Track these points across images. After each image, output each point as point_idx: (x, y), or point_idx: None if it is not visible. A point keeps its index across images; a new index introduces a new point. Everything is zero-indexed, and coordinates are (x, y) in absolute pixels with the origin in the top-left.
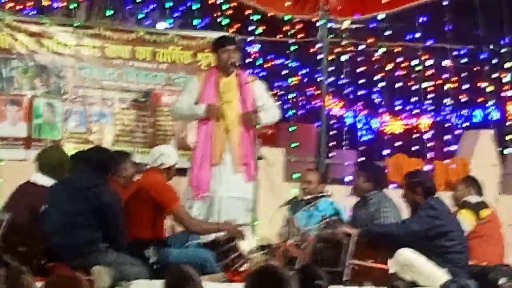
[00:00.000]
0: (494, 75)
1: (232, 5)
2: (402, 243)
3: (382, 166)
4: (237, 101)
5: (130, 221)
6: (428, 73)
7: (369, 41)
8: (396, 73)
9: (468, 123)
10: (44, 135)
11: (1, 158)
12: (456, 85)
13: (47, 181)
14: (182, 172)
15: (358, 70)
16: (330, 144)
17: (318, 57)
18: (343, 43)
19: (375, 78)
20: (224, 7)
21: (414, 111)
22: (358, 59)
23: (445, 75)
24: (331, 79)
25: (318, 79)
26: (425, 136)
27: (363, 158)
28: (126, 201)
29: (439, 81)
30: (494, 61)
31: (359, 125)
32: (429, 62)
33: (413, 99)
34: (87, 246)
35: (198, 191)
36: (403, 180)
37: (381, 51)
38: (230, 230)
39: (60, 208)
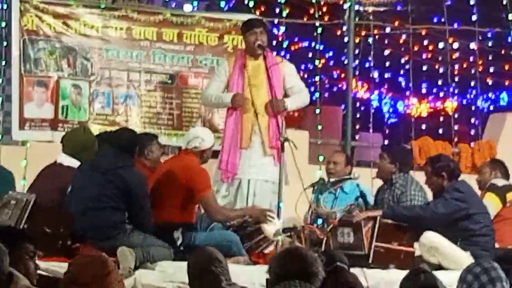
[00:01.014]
0: None
1: None
2: (427, 226)
3: (408, 148)
4: (265, 84)
5: (159, 204)
6: (455, 56)
7: (395, 23)
8: (422, 56)
9: (494, 106)
10: (70, 116)
11: (27, 139)
12: (482, 68)
13: (73, 162)
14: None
15: (384, 52)
16: (356, 127)
17: (344, 39)
18: (369, 26)
19: (401, 61)
20: None
21: (440, 94)
22: (384, 42)
23: (472, 58)
24: (357, 61)
25: (344, 62)
26: (451, 119)
27: (387, 141)
28: (155, 182)
29: (466, 64)
30: None
31: (385, 108)
32: (456, 45)
33: (439, 82)
34: (113, 227)
35: (227, 174)
36: (426, 166)
37: (407, 33)
38: (255, 215)
39: (86, 190)
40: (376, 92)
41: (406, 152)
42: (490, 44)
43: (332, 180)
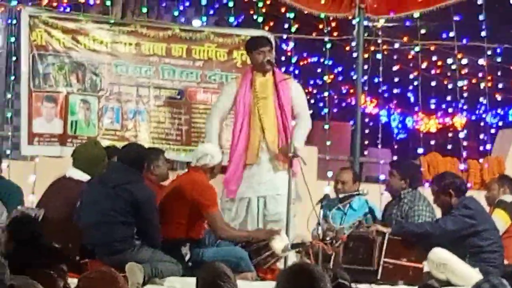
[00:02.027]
0: None
1: (267, 2)
2: (435, 242)
3: (417, 164)
4: (272, 100)
5: (167, 219)
6: (463, 71)
7: (404, 39)
8: (431, 72)
9: (503, 122)
10: (79, 132)
11: (36, 155)
12: (491, 83)
13: (82, 176)
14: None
15: (393, 68)
16: (365, 142)
17: (353, 55)
18: (378, 41)
19: (410, 76)
20: (259, 4)
21: (449, 110)
22: (393, 57)
23: (480, 74)
24: (366, 77)
25: (353, 77)
26: (460, 135)
27: (396, 157)
28: (164, 198)
29: (474, 80)
30: None
31: (393, 124)
32: (464, 61)
33: (448, 98)
34: (122, 242)
35: (229, 188)
36: (432, 185)
37: (416, 49)
38: (260, 238)
39: (95, 205)
40: (385, 107)
41: (415, 167)
42: (499, 60)
43: (340, 196)
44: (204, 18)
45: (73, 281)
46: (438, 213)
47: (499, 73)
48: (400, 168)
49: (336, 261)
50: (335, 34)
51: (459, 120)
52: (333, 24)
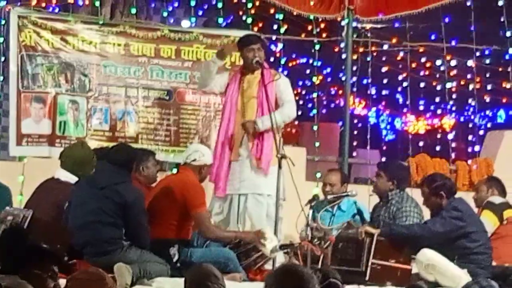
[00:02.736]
0: None
1: (256, 3)
2: (424, 244)
3: (404, 165)
4: (258, 97)
5: (156, 220)
6: (452, 73)
7: (393, 40)
8: (420, 73)
9: (492, 123)
10: (68, 132)
11: (24, 155)
12: (480, 85)
13: (71, 178)
14: None
15: (382, 69)
16: (353, 144)
17: (342, 56)
18: (367, 42)
19: (399, 78)
20: (248, 5)
21: (438, 111)
22: (382, 59)
23: (469, 75)
24: (355, 78)
25: (342, 79)
26: (449, 136)
27: (385, 158)
28: (153, 199)
29: (463, 81)
30: None
31: (382, 125)
32: (453, 62)
33: (436, 99)
34: (110, 243)
35: (217, 186)
36: (423, 187)
37: (404, 51)
38: (248, 239)
39: (84, 206)
40: (374, 109)
41: (403, 168)
42: (487, 61)
43: (329, 197)
44: (193, 19)
45: (61, 281)
46: (426, 213)
47: (487, 75)
48: (387, 169)
49: (325, 262)
50: (324, 35)
51: (448, 122)
52: (322, 26)
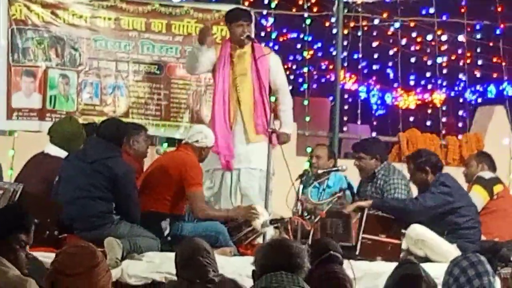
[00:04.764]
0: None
1: None
2: (414, 218)
3: (376, 137)
4: (250, 74)
5: (151, 192)
6: (443, 48)
7: (384, 15)
8: (411, 48)
9: (482, 99)
10: (58, 106)
11: (15, 129)
12: (470, 60)
13: (60, 153)
14: None
15: (373, 44)
16: (344, 119)
17: (333, 31)
18: (358, 17)
19: (390, 52)
20: None
21: (428, 86)
22: (373, 34)
23: (460, 50)
24: (345, 53)
25: (332, 53)
26: (439, 111)
27: (375, 133)
28: (150, 171)
29: (454, 56)
30: (509, 37)
31: (373, 100)
32: (444, 37)
33: (427, 74)
34: (100, 217)
35: (226, 158)
36: (409, 164)
37: (395, 25)
38: (239, 217)
39: (74, 180)
40: (364, 83)
41: (378, 142)
42: (478, 36)
43: (319, 172)
44: None
45: (51, 255)
46: (414, 190)
47: (478, 50)
48: (366, 149)
49: (315, 237)
50: (314, 10)
51: (438, 97)
52: (313, 0)
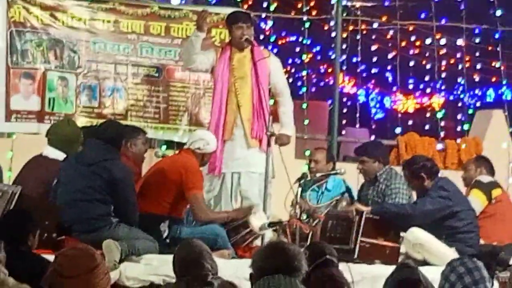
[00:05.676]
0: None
1: None
2: (414, 223)
3: (379, 141)
4: (249, 77)
5: (151, 194)
6: (442, 52)
7: (382, 19)
8: (410, 52)
9: (481, 103)
10: (56, 109)
11: (13, 131)
12: (469, 64)
13: (59, 155)
14: None
15: (372, 48)
16: (343, 122)
17: (332, 34)
18: (357, 21)
19: (388, 56)
20: None
21: (427, 90)
22: (372, 37)
23: (459, 54)
24: (344, 56)
25: (331, 57)
26: (438, 115)
27: (374, 136)
28: (151, 174)
29: (452, 60)
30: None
31: (371, 103)
32: (443, 41)
33: (426, 78)
34: (99, 220)
35: (211, 166)
36: (404, 171)
37: (394, 29)
38: (239, 218)
39: (72, 182)
40: (363, 87)
41: (381, 145)
42: (477, 40)
43: (317, 175)
44: None
45: (49, 258)
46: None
47: (477, 54)
48: (368, 152)
49: (313, 240)
50: (313, 13)
51: (437, 100)
52: (312, 3)
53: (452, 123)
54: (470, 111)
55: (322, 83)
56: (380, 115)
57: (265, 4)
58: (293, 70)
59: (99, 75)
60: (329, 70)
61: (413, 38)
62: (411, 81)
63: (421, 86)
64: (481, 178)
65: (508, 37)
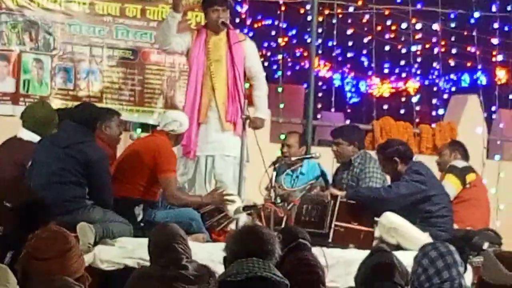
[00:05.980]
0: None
1: None
2: (389, 207)
3: (356, 125)
4: (225, 61)
5: (125, 178)
6: (417, 36)
7: (358, 3)
8: (385, 36)
9: (456, 87)
10: (31, 91)
11: None
12: (444, 49)
13: (33, 137)
14: None
15: (347, 32)
16: (318, 106)
17: (307, 18)
18: (333, 4)
19: (364, 40)
20: None
21: (402, 75)
22: (347, 21)
23: (434, 39)
24: (320, 40)
25: (307, 41)
26: (413, 100)
27: (349, 121)
28: (124, 157)
29: (428, 45)
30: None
31: (347, 87)
32: (418, 26)
33: (401, 63)
34: (73, 202)
35: (186, 149)
36: (379, 155)
37: (370, 13)
38: (213, 202)
39: (47, 165)
40: (339, 71)
41: (357, 129)
42: (453, 25)
43: (293, 159)
44: None
45: None
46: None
47: (452, 39)
48: (344, 134)
49: (287, 224)
50: None
51: (412, 85)
52: None
53: (427, 108)
54: (445, 96)
55: (297, 67)
56: (355, 99)
57: None
58: (268, 54)
59: (74, 57)
60: (305, 54)
61: (388, 23)
62: (386, 65)
63: (397, 71)
64: (456, 163)
65: (484, 22)
